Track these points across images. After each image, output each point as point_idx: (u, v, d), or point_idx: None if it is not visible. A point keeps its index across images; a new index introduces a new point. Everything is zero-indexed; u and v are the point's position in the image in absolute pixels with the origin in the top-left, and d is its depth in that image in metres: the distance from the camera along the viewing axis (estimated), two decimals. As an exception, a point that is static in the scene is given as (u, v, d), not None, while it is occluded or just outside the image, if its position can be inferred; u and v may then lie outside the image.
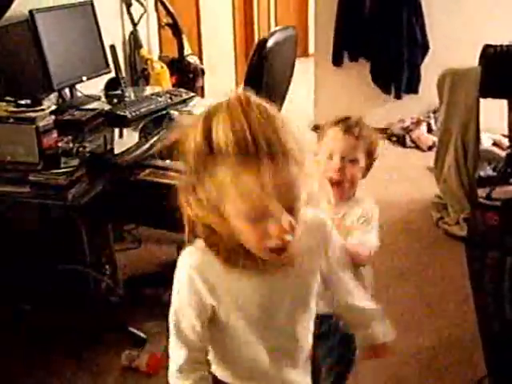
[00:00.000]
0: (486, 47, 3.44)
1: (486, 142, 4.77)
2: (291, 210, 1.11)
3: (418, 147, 5.52)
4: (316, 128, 5.93)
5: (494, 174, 4.44)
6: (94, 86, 3.41)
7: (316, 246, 1.31)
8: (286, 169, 1.08)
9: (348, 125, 1.81)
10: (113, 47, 3.50)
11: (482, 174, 4.40)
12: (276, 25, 9.50)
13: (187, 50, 4.57)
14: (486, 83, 3.36)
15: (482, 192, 4.10)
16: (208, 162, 1.11)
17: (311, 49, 7.49)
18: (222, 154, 1.07)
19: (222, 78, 6.39)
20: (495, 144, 4.92)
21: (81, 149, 2.48)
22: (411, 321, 2.86)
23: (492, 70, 3.31)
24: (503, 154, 4.55)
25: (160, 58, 4.49)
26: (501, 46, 3.47)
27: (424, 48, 5.54)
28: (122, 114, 2.88)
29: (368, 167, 1.88)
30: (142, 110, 2.98)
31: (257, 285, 1.24)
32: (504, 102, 4.03)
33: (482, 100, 3.61)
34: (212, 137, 1.09)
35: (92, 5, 3.33)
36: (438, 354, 2.67)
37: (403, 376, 2.53)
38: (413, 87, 5.62)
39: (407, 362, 2.59)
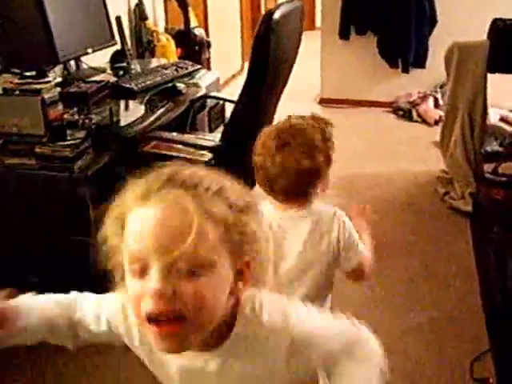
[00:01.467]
0: (496, 21, 3.40)
1: (493, 118, 4.74)
2: (181, 269, 0.89)
3: (424, 121, 5.51)
4: (322, 101, 5.92)
5: (501, 149, 4.42)
6: (99, 59, 3.40)
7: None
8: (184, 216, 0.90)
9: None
10: (118, 19, 3.48)
11: (488, 149, 4.38)
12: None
13: (193, 22, 4.55)
14: (494, 58, 3.33)
15: (488, 167, 4.09)
16: None
17: (318, 22, 7.44)
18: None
19: (228, 50, 6.37)
20: (502, 119, 4.89)
21: (86, 121, 2.48)
22: (414, 294, 2.88)
23: (501, 44, 3.28)
24: (510, 129, 4.53)
25: (166, 30, 4.48)
26: (511, 19, 3.44)
27: (432, 21, 5.49)
28: (128, 86, 2.88)
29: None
30: (148, 82, 2.97)
31: None
32: (512, 77, 4.01)
33: (490, 75, 3.59)
34: None
35: (97, -24, 3.30)
36: (440, 327, 2.68)
37: (404, 349, 2.54)
38: (420, 61, 5.59)
39: (409, 335, 2.62)
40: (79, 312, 1.18)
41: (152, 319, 0.90)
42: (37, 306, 1.17)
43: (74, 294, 1.23)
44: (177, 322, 0.89)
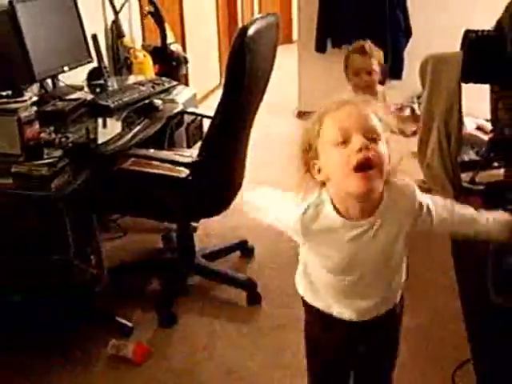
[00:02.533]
0: (467, 32, 3.45)
1: (469, 127, 4.78)
2: (368, 134, 1.41)
3: (402, 132, 5.53)
4: (300, 114, 5.93)
5: (478, 158, 4.46)
6: (76, 76, 3.40)
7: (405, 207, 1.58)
8: (365, 110, 1.46)
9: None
10: (95, 37, 3.49)
11: (465, 158, 4.42)
12: (260, 11, 9.49)
13: (170, 39, 4.56)
14: (467, 68, 3.37)
15: (465, 176, 4.12)
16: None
17: (295, 36, 7.48)
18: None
19: (205, 65, 6.38)
20: (479, 128, 4.93)
21: (63, 139, 2.48)
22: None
23: (473, 55, 3.32)
24: (486, 138, 4.57)
25: (143, 47, 4.48)
26: (482, 31, 3.48)
27: (407, 34, 5.55)
28: (105, 103, 2.88)
29: None
30: (125, 99, 2.98)
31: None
32: (487, 87, 4.05)
33: (466, 84, 3.62)
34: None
35: (73, -6, 3.30)
36: (421, 335, 2.70)
37: None
38: (396, 73, 5.63)
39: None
40: None
41: (358, 167, 1.39)
42: None
43: None
44: (371, 169, 1.40)
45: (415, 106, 5.58)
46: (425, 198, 1.63)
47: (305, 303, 1.76)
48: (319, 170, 1.50)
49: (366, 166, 1.39)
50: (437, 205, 1.64)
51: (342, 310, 1.66)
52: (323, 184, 1.52)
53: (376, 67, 3.00)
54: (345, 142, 1.41)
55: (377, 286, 1.64)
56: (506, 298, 2.75)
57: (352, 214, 1.51)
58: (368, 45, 3.09)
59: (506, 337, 2.56)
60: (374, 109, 1.48)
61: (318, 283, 1.67)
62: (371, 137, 1.41)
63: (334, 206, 1.51)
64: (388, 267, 1.62)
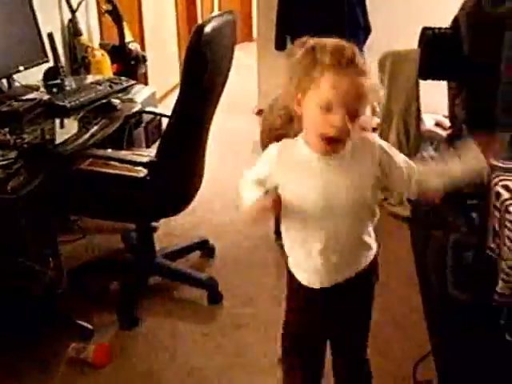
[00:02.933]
0: (425, 30, 3.47)
1: (428, 123, 4.82)
2: (351, 115, 1.47)
3: (362, 129, 5.57)
4: (260, 112, 5.93)
5: (436, 154, 4.50)
6: (32, 76, 3.35)
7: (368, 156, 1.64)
8: (357, 83, 1.48)
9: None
10: (50, 35, 3.43)
11: (424, 154, 4.46)
12: (220, 10, 9.46)
13: (128, 37, 4.52)
14: (424, 65, 3.39)
15: (424, 172, 4.16)
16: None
17: (256, 33, 7.48)
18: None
19: (165, 64, 6.34)
20: (438, 124, 4.97)
21: (18, 140, 2.43)
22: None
23: (430, 52, 3.34)
24: (445, 134, 4.62)
25: (101, 46, 4.43)
26: (439, 28, 3.51)
27: (366, 30, 5.57)
28: (61, 103, 2.84)
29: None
30: (82, 99, 2.93)
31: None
32: (446, 83, 4.09)
33: (427, 81, 3.65)
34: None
35: (27, -9, 3.25)
36: (383, 331, 2.72)
37: None
38: (356, 70, 5.66)
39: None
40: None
41: (326, 139, 1.51)
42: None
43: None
44: (337, 142, 1.52)
45: (375, 103, 5.61)
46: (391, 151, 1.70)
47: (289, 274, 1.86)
48: (298, 102, 1.56)
49: (332, 141, 1.51)
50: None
51: (316, 278, 1.76)
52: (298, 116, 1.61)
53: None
54: (327, 109, 1.48)
55: (350, 244, 1.74)
56: (464, 292, 2.79)
57: (322, 151, 1.59)
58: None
59: (464, 331, 2.59)
60: (368, 83, 1.52)
61: (298, 248, 1.75)
62: (355, 113, 1.49)
63: (307, 142, 1.61)
64: (360, 220, 1.73)
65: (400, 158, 1.69)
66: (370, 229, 1.82)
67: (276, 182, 1.66)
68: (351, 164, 1.61)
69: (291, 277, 1.84)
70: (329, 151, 1.56)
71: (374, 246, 1.89)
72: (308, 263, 1.75)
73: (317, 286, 1.77)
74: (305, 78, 1.52)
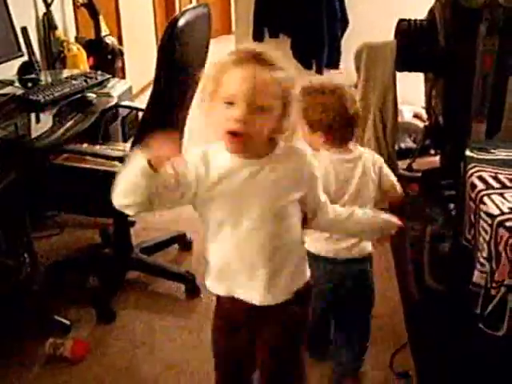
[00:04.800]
0: (400, 21, 3.49)
1: (406, 115, 4.85)
2: (255, 108, 1.42)
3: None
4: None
5: (415, 145, 4.53)
6: (7, 71, 3.31)
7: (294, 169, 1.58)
8: (262, 77, 1.43)
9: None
10: (25, 29, 3.40)
11: (402, 145, 4.49)
12: (198, 2, 9.44)
13: (105, 31, 4.50)
14: (401, 57, 3.41)
15: (403, 164, 4.19)
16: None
17: (234, 26, 7.47)
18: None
19: (143, 58, 6.31)
20: (416, 116, 5.00)
21: (-9, 136, 2.41)
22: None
23: (406, 43, 3.36)
24: (422, 125, 4.64)
25: (76, 40, 4.40)
26: (414, 20, 3.52)
27: (343, 22, 5.57)
28: (35, 98, 2.81)
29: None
30: (56, 93, 2.90)
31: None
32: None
33: (404, 73, 3.67)
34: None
35: (-1, -15, 3.21)
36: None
37: None
38: (333, 62, 5.65)
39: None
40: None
41: (229, 133, 1.44)
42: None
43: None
44: (239, 138, 1.44)
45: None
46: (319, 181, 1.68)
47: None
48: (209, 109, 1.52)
49: (233, 137, 1.45)
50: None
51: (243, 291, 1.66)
52: None
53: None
54: (230, 103, 1.43)
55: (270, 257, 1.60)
56: (441, 283, 2.81)
57: (232, 149, 1.53)
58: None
59: (441, 321, 2.62)
60: (275, 77, 1.45)
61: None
62: (257, 105, 1.42)
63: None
64: (281, 230, 1.60)
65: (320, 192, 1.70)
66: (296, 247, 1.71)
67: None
68: (273, 172, 1.54)
69: None
70: (236, 148, 1.49)
71: None
72: None
73: None
74: (212, 86, 1.48)
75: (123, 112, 3.47)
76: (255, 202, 1.53)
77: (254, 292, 1.62)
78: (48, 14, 4.00)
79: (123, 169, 1.48)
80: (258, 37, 5.69)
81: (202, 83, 1.52)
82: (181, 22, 2.32)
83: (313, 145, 1.99)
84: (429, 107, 3.96)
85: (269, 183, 1.53)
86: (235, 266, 1.61)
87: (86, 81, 3.15)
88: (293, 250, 1.65)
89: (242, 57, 1.45)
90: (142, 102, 3.62)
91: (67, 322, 2.71)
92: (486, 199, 2.43)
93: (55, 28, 4.05)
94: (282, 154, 1.56)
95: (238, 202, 1.53)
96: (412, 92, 4.38)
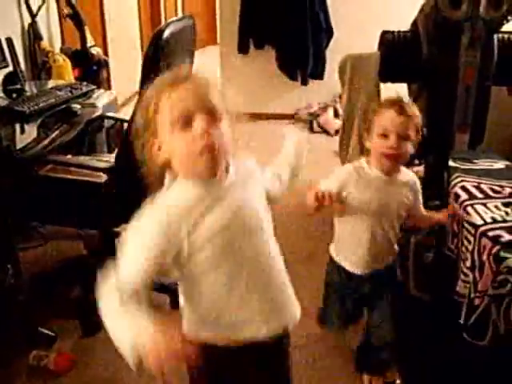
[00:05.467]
0: (384, 33, 3.50)
1: (390, 125, 4.86)
2: (210, 114, 1.39)
3: (325, 132, 5.62)
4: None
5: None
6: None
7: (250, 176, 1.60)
8: (203, 86, 1.43)
9: (402, 107, 2.10)
10: (9, 40, 3.41)
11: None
12: (183, 13, 9.46)
13: (90, 42, 4.51)
14: (384, 68, 3.43)
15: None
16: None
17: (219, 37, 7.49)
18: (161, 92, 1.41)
19: (128, 69, 6.31)
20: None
21: (-25, 147, 2.41)
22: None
23: (390, 55, 3.37)
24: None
25: (61, 50, 4.40)
26: (398, 31, 3.54)
27: (328, 33, 5.62)
28: (20, 109, 2.81)
29: (417, 140, 2.15)
30: (41, 104, 2.91)
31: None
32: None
33: (387, 84, 3.68)
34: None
35: (-16, -4, 3.22)
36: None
37: (312, 354, 2.64)
38: (318, 73, 5.71)
39: (318, 341, 2.70)
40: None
41: (203, 152, 1.37)
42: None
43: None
44: (214, 151, 1.38)
45: (338, 106, 5.66)
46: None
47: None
48: (159, 148, 1.45)
49: (210, 150, 1.39)
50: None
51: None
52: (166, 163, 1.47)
53: (413, 133, 2.11)
54: (187, 123, 1.38)
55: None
56: (425, 292, 2.82)
57: (207, 174, 1.48)
58: (407, 102, 2.19)
59: (425, 331, 2.63)
60: (213, 84, 1.47)
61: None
62: (214, 116, 1.40)
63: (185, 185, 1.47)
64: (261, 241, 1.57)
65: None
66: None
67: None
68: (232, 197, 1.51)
69: None
70: (214, 168, 1.44)
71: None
72: None
73: None
74: (153, 116, 1.42)
75: (108, 123, 3.47)
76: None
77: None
78: (33, 25, 4.01)
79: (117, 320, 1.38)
80: (243, 48, 5.73)
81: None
82: (166, 34, 2.32)
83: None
84: (413, 118, 3.98)
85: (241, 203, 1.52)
86: None
87: (71, 91, 3.16)
88: None
89: (176, 77, 1.43)
90: (126, 113, 3.62)
91: (52, 334, 2.70)
92: (469, 209, 2.45)
93: (40, 38, 4.06)
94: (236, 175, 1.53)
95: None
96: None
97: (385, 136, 2.10)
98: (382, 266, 2.28)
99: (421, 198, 2.32)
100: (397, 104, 2.11)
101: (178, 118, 1.38)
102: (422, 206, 2.36)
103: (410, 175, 2.27)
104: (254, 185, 1.59)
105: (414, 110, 2.14)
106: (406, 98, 2.22)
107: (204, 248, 1.44)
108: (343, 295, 2.37)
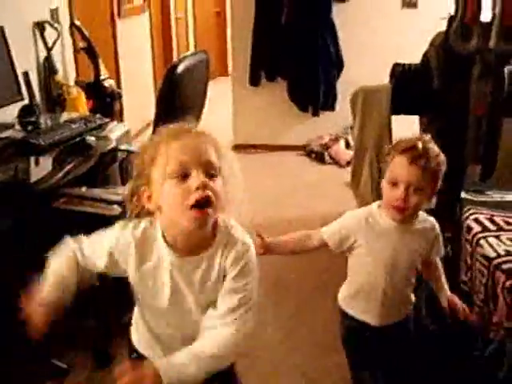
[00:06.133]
0: (395, 66, 3.54)
1: (401, 157, 4.87)
2: (207, 170, 1.42)
3: (336, 163, 5.63)
4: (236, 147, 5.96)
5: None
6: (7, 114, 3.35)
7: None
8: (203, 142, 1.46)
9: (414, 155, 1.84)
10: (26, 74, 3.45)
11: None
12: (195, 47, 9.55)
13: (104, 74, 4.55)
14: (396, 100, 3.46)
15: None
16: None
17: (231, 69, 7.56)
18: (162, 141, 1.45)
19: (141, 101, 6.37)
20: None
21: (-10, 179, 2.43)
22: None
23: (401, 87, 3.41)
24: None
25: (76, 83, 4.45)
26: (409, 64, 3.58)
27: (339, 65, 5.67)
28: (36, 142, 2.84)
29: (433, 190, 1.92)
30: (56, 137, 2.94)
31: None
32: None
33: (399, 116, 3.70)
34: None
35: (2, 30, 3.26)
36: (323, 341, 2.83)
37: (293, 365, 2.66)
38: (329, 104, 5.74)
39: (297, 352, 2.69)
40: (83, 261, 1.69)
41: (196, 206, 1.39)
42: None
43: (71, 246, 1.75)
44: (209, 206, 1.41)
45: (349, 137, 5.68)
46: None
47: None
48: (149, 198, 1.49)
49: (204, 205, 1.41)
50: None
51: None
52: (151, 213, 1.52)
53: (427, 185, 1.88)
54: (184, 176, 1.42)
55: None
56: (437, 323, 2.81)
57: (180, 248, 1.51)
58: (424, 151, 1.87)
59: (439, 361, 2.61)
60: (213, 142, 1.50)
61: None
62: (209, 172, 1.43)
63: (165, 239, 1.51)
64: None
65: None
66: None
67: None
68: (207, 271, 1.53)
69: None
70: (202, 224, 1.45)
71: None
72: None
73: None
74: (148, 165, 1.47)
75: (121, 155, 3.49)
76: None
77: None
78: (49, 58, 4.06)
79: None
80: (254, 81, 5.78)
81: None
82: (180, 68, 2.36)
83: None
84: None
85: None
86: None
87: (85, 124, 3.19)
88: None
89: (177, 131, 1.48)
90: (139, 145, 3.65)
91: (64, 366, 2.70)
92: (482, 242, 2.45)
93: (56, 72, 4.10)
94: (221, 245, 1.52)
95: None
96: (406, 134, 4.41)
97: (394, 184, 1.87)
98: (399, 319, 2.11)
99: (440, 248, 2.05)
100: (409, 151, 1.84)
101: (175, 168, 1.41)
102: (439, 260, 2.10)
103: (427, 221, 2.00)
104: (221, 269, 1.53)
105: (432, 154, 1.85)
106: (424, 139, 1.91)
107: (137, 292, 1.65)
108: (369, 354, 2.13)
